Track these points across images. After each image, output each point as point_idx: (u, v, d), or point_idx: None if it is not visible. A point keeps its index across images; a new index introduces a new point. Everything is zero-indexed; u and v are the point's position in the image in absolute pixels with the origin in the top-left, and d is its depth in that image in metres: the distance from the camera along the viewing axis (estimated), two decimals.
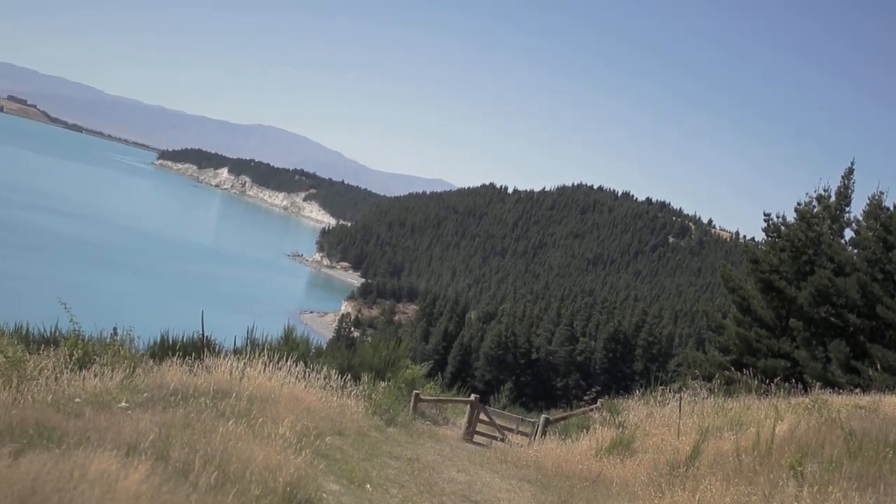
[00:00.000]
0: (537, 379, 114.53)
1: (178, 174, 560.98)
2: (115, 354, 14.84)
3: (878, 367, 25.72)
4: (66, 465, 6.02)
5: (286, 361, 16.32)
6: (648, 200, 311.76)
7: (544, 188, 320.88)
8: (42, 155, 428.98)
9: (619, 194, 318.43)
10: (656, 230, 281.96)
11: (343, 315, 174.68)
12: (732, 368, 27.92)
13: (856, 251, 33.99)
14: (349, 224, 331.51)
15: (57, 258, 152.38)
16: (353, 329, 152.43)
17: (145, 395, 11.14)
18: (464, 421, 20.19)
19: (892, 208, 33.15)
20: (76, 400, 9.97)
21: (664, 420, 16.99)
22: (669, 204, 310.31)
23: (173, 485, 6.30)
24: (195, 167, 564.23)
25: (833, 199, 35.20)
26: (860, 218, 34.49)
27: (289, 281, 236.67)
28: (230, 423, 9.00)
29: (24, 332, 18.38)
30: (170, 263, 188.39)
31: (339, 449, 11.84)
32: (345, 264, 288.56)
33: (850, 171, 35.80)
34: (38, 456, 6.12)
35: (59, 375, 12.19)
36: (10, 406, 8.61)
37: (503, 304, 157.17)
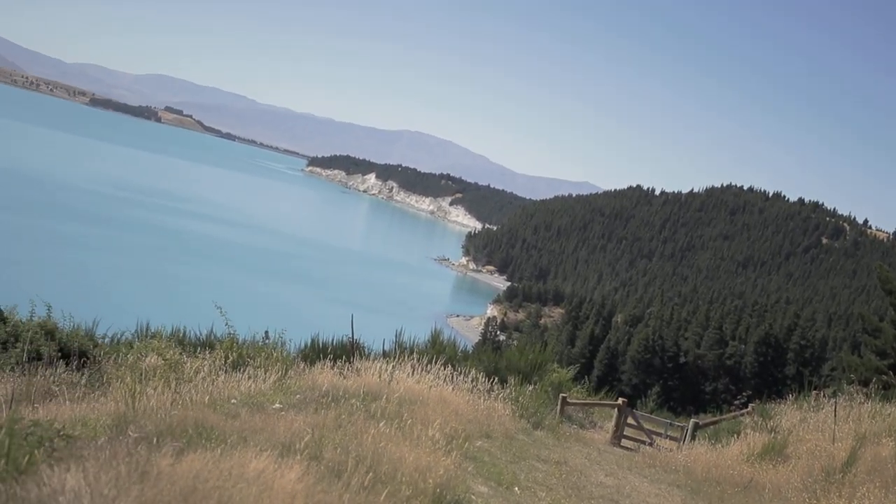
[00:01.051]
0: (685, 383, 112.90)
1: (327, 180, 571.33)
2: (267, 357, 15.23)
3: None
4: (225, 464, 6.22)
5: (434, 364, 16.48)
6: (801, 201, 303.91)
7: (692, 190, 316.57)
8: (197, 163, 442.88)
9: (770, 195, 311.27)
10: (809, 231, 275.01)
11: (489, 318, 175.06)
12: (890, 372, 27.10)
13: None
14: (495, 228, 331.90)
15: (213, 263, 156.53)
16: (498, 332, 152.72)
17: (298, 396, 11.40)
18: (611, 425, 20.06)
19: None
20: (232, 401, 10.27)
21: (818, 425, 16.59)
22: (822, 204, 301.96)
23: (327, 484, 6.46)
24: (343, 173, 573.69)
25: None
26: None
27: (435, 284, 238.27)
28: (381, 424, 9.15)
29: (181, 335, 19.03)
30: (320, 267, 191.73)
31: (487, 451, 11.92)
32: (490, 268, 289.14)
33: None
34: (199, 455, 6.33)
35: (214, 377, 12.58)
36: (170, 406, 8.92)
37: (650, 307, 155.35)
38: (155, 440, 6.75)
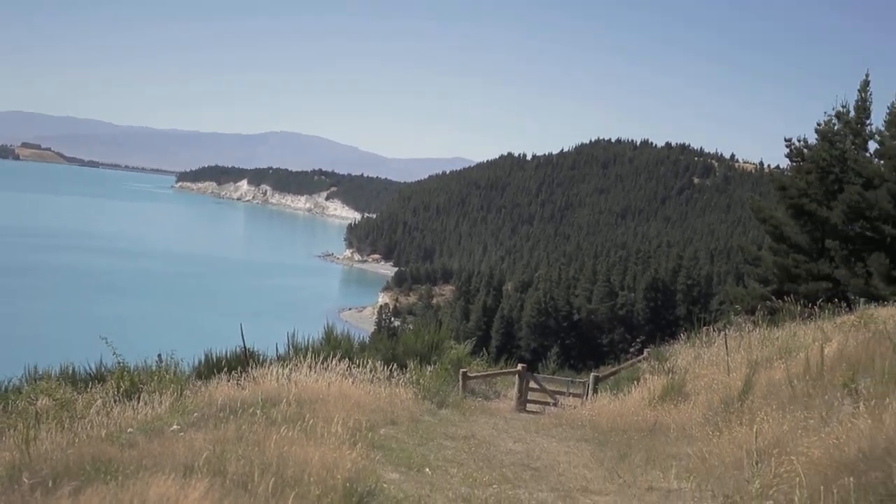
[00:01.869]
0: (582, 339, 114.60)
1: (198, 193, 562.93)
2: (160, 381, 15.01)
3: None
4: (125, 495, 6.10)
5: (331, 361, 16.43)
6: (668, 145, 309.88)
7: (562, 150, 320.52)
8: (62, 196, 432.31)
9: (638, 143, 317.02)
10: (680, 173, 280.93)
11: (381, 306, 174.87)
12: (774, 298, 27.79)
13: (882, 162, 33.75)
14: (374, 216, 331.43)
15: (95, 294, 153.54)
16: (393, 319, 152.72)
17: (195, 415, 11.26)
18: (514, 392, 20.25)
19: None
20: (128, 430, 10.09)
21: (712, 359, 17.01)
22: (689, 145, 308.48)
23: (233, 498, 6.38)
24: (214, 184, 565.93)
25: (852, 113, 34.89)
26: (882, 128, 34.24)
27: (323, 281, 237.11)
28: (282, 429, 9.08)
29: (70, 372, 18.65)
30: (204, 281, 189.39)
31: (394, 438, 11.92)
32: (376, 256, 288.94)
33: (866, 83, 35.42)
34: (97, 490, 6.20)
35: (109, 409, 12.36)
36: (66, 446, 8.72)
37: (538, 270, 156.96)
38: (51, 483, 6.59)
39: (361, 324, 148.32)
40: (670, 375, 16.88)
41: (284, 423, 9.44)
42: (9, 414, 14.52)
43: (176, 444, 8.38)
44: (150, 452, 8.11)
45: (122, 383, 14.96)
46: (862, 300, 21.44)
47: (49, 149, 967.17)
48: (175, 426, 10.22)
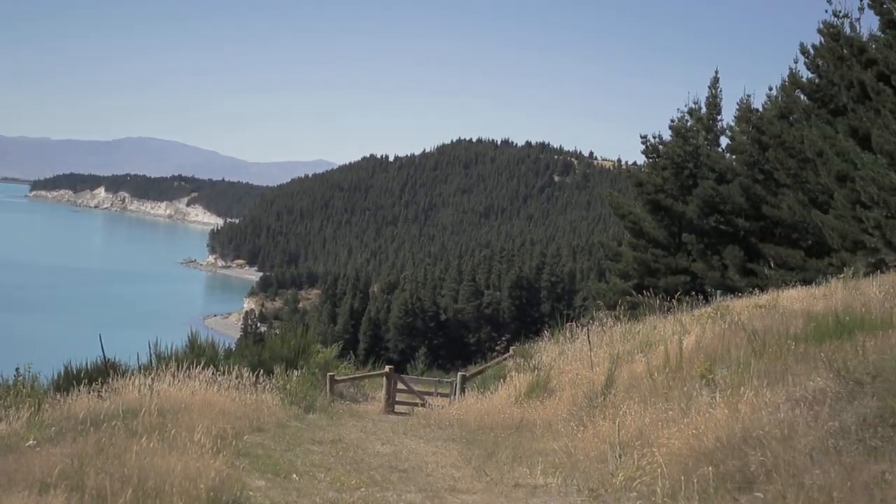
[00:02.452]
0: (449, 339, 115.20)
1: (54, 202, 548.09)
2: (17, 395, 14.55)
3: (772, 265, 26.39)
4: None
5: (194, 369, 16.16)
6: (528, 144, 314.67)
7: (424, 150, 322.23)
8: None
9: (499, 142, 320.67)
10: (540, 172, 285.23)
11: (247, 312, 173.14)
12: (634, 292, 28.37)
13: (734, 157, 34.81)
14: (237, 221, 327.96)
15: None
16: (259, 324, 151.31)
17: (53, 429, 10.93)
18: (382, 394, 20.25)
19: (761, 109, 33.97)
20: None
21: (576, 355, 17.21)
22: (549, 143, 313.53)
23: None
24: (71, 192, 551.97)
25: (704, 110, 35.87)
26: (733, 124, 35.30)
27: (186, 288, 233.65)
28: (143, 440, 8.87)
29: None
30: (62, 292, 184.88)
31: (260, 445, 11.77)
32: (240, 262, 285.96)
33: (716, 80, 36.46)
34: None
35: None
36: None
37: (404, 271, 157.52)
38: None
39: (227, 330, 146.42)
40: (535, 372, 17.04)
41: (145, 434, 9.23)
42: None
43: (32, 460, 8.10)
44: (3, 469, 7.82)
45: None
46: (718, 292, 21.95)
47: None
48: (31, 441, 9.89)
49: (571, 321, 21.68)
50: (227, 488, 7.68)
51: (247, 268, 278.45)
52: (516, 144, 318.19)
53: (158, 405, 11.75)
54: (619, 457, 8.77)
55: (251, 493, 8.45)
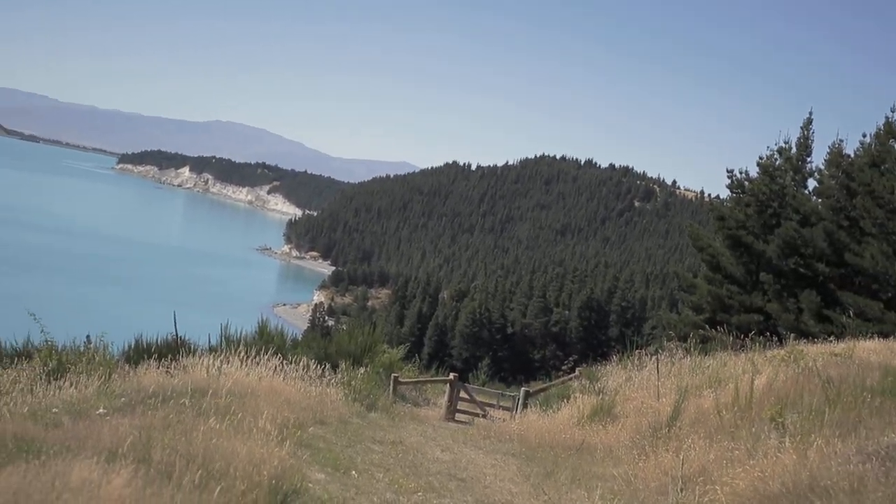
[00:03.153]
0: (514, 353, 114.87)
1: (139, 177, 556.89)
2: (89, 362, 14.78)
3: (850, 313, 25.92)
4: (46, 475, 5.98)
5: (263, 355, 16.29)
6: (612, 166, 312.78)
7: (507, 162, 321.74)
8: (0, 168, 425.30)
9: (583, 162, 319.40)
10: (622, 195, 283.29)
11: (316, 305, 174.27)
12: (707, 326, 28.02)
13: (820, 200, 34.23)
14: (315, 213, 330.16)
15: (24, 270, 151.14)
16: (326, 318, 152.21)
17: (123, 399, 11.08)
18: (444, 400, 20.22)
19: (852, 155, 33.40)
20: (53, 410, 9.91)
21: (643, 383, 17.06)
22: (633, 168, 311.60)
23: (157, 487, 6.27)
24: (156, 168, 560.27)
25: (794, 150, 35.33)
26: (822, 167, 34.72)
27: (259, 275, 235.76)
28: (211, 420, 8.96)
29: None
30: (139, 267, 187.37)
31: (322, 438, 11.84)
32: (314, 254, 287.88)
33: (809, 121, 35.89)
34: (18, 469, 6.08)
35: (33, 387, 12.14)
36: None
37: (475, 281, 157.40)
38: None
39: (295, 320, 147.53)
40: (600, 396, 16.92)
41: (213, 415, 9.33)
42: None
43: (101, 428, 8.24)
44: (74, 434, 7.96)
45: (49, 362, 14.73)
46: (792, 335, 21.62)
47: None
48: (101, 409, 10.05)
49: (640, 349, 21.51)
50: (287, 478, 7.73)
51: (320, 261, 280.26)
52: (599, 166, 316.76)
53: (226, 388, 11.86)
54: (681, 490, 8.68)
55: (310, 485, 8.50)
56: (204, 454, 7.30)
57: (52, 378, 13.64)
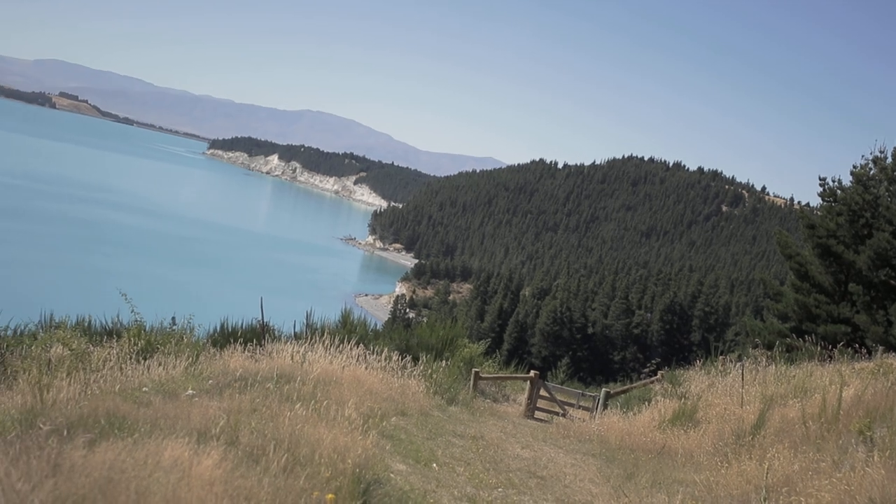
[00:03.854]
0: (594, 353, 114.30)
1: (229, 163, 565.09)
2: (177, 343, 15.04)
3: None
4: (139, 453, 6.11)
5: (346, 344, 16.43)
6: (700, 170, 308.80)
7: (594, 162, 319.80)
8: (95, 150, 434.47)
9: (671, 165, 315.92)
10: (709, 199, 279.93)
11: (398, 296, 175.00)
12: (793, 335, 27.63)
13: None
14: (400, 205, 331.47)
15: (115, 250, 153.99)
16: (408, 310, 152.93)
17: (210, 382, 11.27)
18: (524, 397, 20.20)
19: None
20: (143, 389, 10.11)
21: (726, 389, 16.88)
22: (722, 172, 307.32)
23: (245, 469, 6.38)
24: (246, 155, 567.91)
25: (890, 160, 34.65)
26: None
27: (343, 264, 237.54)
28: (297, 406, 9.07)
29: (86, 324, 18.71)
30: (225, 251, 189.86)
31: (403, 429, 11.91)
32: (397, 246, 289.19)
33: None
34: (112, 445, 6.22)
35: (122, 366, 12.39)
36: (80, 398, 8.74)
37: (557, 279, 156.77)
38: (66, 432, 6.61)
39: (376, 311, 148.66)
40: (682, 400, 16.79)
41: (299, 401, 9.44)
42: (23, 359, 14.61)
43: (191, 409, 8.39)
44: (164, 414, 8.12)
45: (138, 341, 15.01)
46: (881, 348, 21.21)
47: (86, 101, 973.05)
48: (190, 391, 10.24)
49: (723, 355, 21.30)
50: (371, 467, 7.80)
51: (403, 253, 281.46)
52: (687, 168, 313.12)
53: (313, 376, 11.99)
54: (764, 500, 8.58)
55: (392, 475, 8.58)
56: (290, 439, 7.40)
57: (140, 357, 13.91)
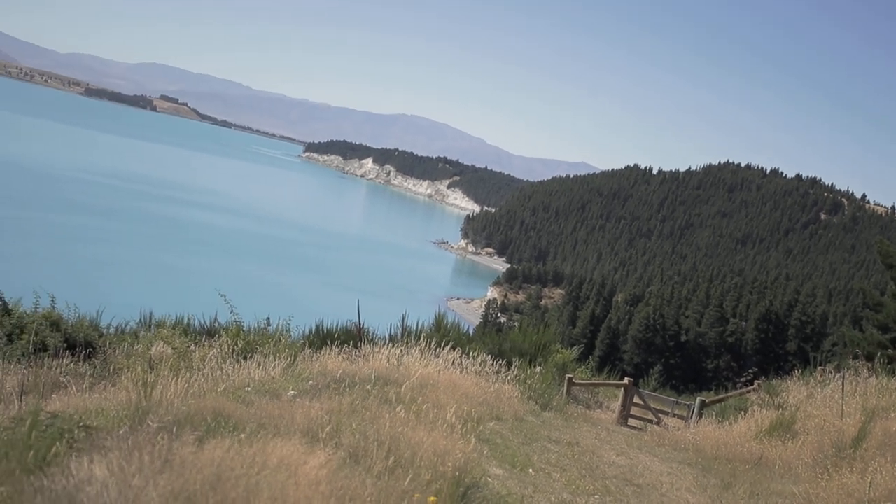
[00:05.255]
0: (687, 361, 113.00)
1: (324, 166, 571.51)
2: (275, 344, 15.29)
3: None
4: (247, 451, 6.25)
5: (441, 348, 16.53)
6: (798, 177, 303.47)
7: (690, 168, 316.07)
8: (194, 151, 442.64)
9: (768, 171, 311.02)
10: (807, 207, 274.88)
11: (489, 301, 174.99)
12: (894, 347, 27.13)
13: None
14: (493, 210, 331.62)
15: (213, 252, 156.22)
16: (499, 314, 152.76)
17: (310, 383, 11.45)
18: (617, 404, 20.11)
19: None
20: (246, 389, 10.31)
21: (825, 401, 16.61)
22: (820, 180, 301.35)
23: (349, 470, 6.49)
24: (340, 158, 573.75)
25: None
26: None
27: (435, 268, 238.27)
28: (398, 408, 9.18)
29: (185, 324, 19.13)
30: (320, 253, 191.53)
31: (499, 434, 11.98)
32: (489, 250, 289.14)
33: None
34: (220, 443, 6.37)
35: (222, 365, 12.65)
36: (186, 396, 8.95)
37: (650, 286, 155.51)
38: (174, 429, 6.78)
39: (468, 315, 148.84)
40: (780, 411, 16.56)
41: (399, 404, 9.56)
42: (127, 356, 14.99)
43: (294, 410, 8.56)
44: (268, 413, 8.30)
45: (237, 342, 15.29)
46: None
47: (185, 104, 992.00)
48: (292, 391, 10.42)
49: (822, 365, 20.98)
50: (469, 471, 7.87)
51: (495, 257, 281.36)
52: (785, 175, 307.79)
53: (412, 380, 12.10)
54: None
55: (489, 479, 8.64)
56: (391, 441, 7.50)
57: (240, 357, 14.19)
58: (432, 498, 6.10)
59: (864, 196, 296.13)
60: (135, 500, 5.11)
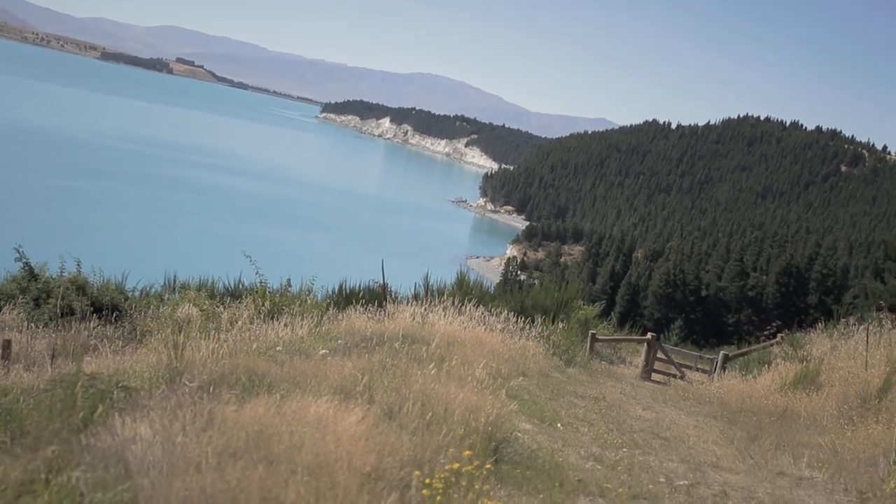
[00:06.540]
0: (707, 316, 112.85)
1: (341, 126, 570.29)
2: (301, 304, 15.43)
3: None
4: (286, 409, 6.40)
5: (465, 306, 16.65)
6: (818, 129, 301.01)
7: (708, 122, 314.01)
8: (211, 114, 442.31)
9: (788, 124, 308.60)
10: (827, 160, 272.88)
11: (509, 259, 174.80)
12: None
13: None
14: (511, 168, 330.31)
15: (233, 214, 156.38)
16: (519, 272, 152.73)
17: (339, 342, 11.59)
18: (641, 359, 20.21)
19: None
20: (277, 348, 10.45)
21: (849, 353, 16.64)
22: (841, 132, 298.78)
23: (385, 426, 6.62)
24: (358, 119, 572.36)
25: None
26: None
27: (454, 226, 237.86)
28: (430, 366, 9.30)
29: (210, 286, 19.28)
30: (339, 214, 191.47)
31: (526, 390, 12.10)
32: (508, 208, 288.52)
33: None
34: (260, 401, 6.51)
35: (250, 326, 12.80)
36: (218, 356, 9.08)
37: (670, 241, 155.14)
38: (211, 388, 6.92)
39: (488, 273, 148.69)
40: (804, 363, 16.62)
41: (429, 361, 9.68)
42: (155, 318, 15.18)
43: (327, 368, 8.70)
44: (302, 372, 8.44)
45: (264, 302, 15.45)
46: None
47: (202, 66, 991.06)
48: (323, 350, 10.55)
49: (844, 318, 21.00)
50: (500, 425, 7.98)
51: (514, 215, 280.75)
52: (805, 128, 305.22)
53: (439, 337, 12.22)
54: (893, 463, 8.55)
55: (520, 434, 8.76)
56: (423, 398, 7.62)
57: (267, 318, 14.34)
58: (467, 451, 6.22)
59: (885, 147, 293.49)
60: (181, 457, 5.24)
